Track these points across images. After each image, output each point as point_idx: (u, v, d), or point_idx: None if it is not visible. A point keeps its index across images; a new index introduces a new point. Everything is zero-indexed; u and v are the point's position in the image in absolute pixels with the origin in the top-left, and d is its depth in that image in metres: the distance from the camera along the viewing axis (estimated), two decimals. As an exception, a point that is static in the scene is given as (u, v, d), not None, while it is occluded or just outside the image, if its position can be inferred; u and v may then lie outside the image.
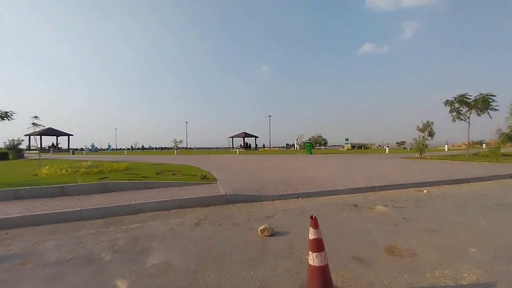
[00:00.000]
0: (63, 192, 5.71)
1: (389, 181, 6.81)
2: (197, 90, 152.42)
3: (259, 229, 3.28)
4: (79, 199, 5.22)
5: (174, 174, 8.55)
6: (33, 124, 11.43)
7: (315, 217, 1.92)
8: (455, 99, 14.40)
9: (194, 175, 8.14)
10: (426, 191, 6.07)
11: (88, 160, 11.15)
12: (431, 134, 15.51)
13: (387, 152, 23.13)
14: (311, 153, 22.23)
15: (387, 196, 5.61)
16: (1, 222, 3.90)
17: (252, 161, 15.59)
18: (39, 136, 41.25)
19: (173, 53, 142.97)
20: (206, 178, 7.27)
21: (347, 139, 55.63)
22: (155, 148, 70.12)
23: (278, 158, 18.56)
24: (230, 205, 4.99)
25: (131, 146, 54.06)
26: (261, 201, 5.26)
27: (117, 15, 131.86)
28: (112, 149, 47.64)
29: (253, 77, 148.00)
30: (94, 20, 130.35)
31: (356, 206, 4.74)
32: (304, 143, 22.77)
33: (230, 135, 53.50)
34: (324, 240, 1.96)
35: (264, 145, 55.71)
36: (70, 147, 44.49)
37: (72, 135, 45.21)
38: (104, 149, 46.05)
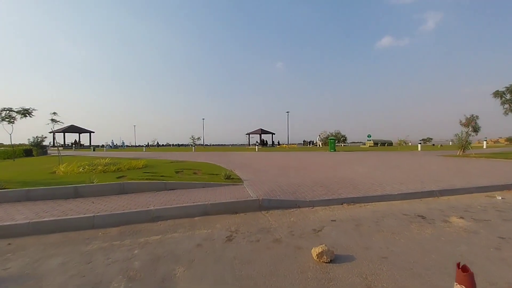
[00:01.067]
0: (77, 193, 5.25)
1: (448, 185, 5.75)
2: (214, 87, 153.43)
3: (314, 253, 2.49)
4: (93, 202, 4.71)
5: (194, 173, 7.96)
6: (52, 120, 11.38)
7: (466, 266, 1.09)
8: (507, 89, 12.67)
9: (217, 174, 7.49)
10: (500, 198, 4.98)
11: (107, 157, 10.88)
12: (475, 130, 13.85)
13: (419, 149, 21.38)
14: (335, 150, 21.00)
15: (455, 204, 4.60)
16: (5, 230, 3.41)
17: (274, 158, 14.79)
18: (62, 133, 43.09)
19: (190, 49, 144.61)
20: (231, 178, 6.59)
21: (369, 136, 53.20)
22: (172, 145, 71.28)
23: (301, 155, 17.62)
24: (263, 212, 4.25)
25: (147, 143, 55.04)
26: (299, 207, 4.47)
27: (138, 13, 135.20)
28: (126, 145, 48.59)
29: (268, 73, 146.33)
30: (115, 18, 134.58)
31: (423, 217, 3.81)
32: (327, 140, 21.49)
33: (247, 132, 53.14)
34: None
35: (279, 142, 54.67)
36: (92, 144, 46.04)
37: (93, 132, 46.71)
38: (119, 146, 47.09)
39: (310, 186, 5.79)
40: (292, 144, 53.46)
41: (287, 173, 7.97)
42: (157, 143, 57.46)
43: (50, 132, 44.26)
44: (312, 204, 4.55)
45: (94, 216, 3.83)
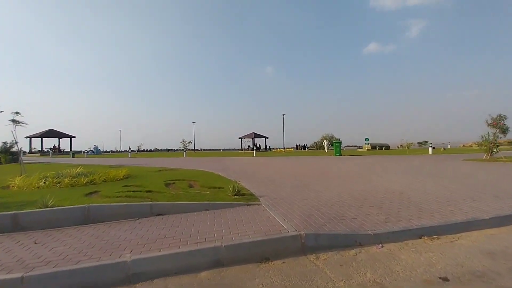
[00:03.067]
0: (17, 225, 3.54)
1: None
2: (203, 91, 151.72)
3: None
4: (35, 242, 3.03)
5: (190, 186, 6.32)
6: (13, 121, 9.49)
7: None
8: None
9: (220, 187, 5.88)
10: None
11: (80, 166, 9.05)
12: (503, 131, 12.79)
13: (430, 152, 20.38)
14: (341, 155, 19.67)
15: None
16: None
17: (278, 164, 13.26)
18: (40, 138, 40.24)
19: (178, 53, 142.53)
20: (241, 195, 4.99)
21: (367, 139, 52.62)
22: (161, 150, 68.78)
23: (306, 160, 16.18)
24: (311, 258, 2.69)
25: (129, 148, 52.12)
26: (361, 245, 2.94)
27: (121, 16, 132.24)
28: (100, 151, 45.04)
29: (258, 77, 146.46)
30: (100, 22, 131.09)
31: None
32: (331, 143, 20.19)
33: (239, 136, 51.56)
34: None
35: (269, 147, 53.59)
36: (73, 149, 43.22)
37: (74, 136, 44.00)
38: (97, 152, 43.58)
39: (356, 205, 4.28)
40: (288, 148, 52.23)
41: (308, 185, 6.44)
42: (138, 149, 54.34)
43: (26, 137, 41.52)
44: (379, 239, 3.03)
45: (22, 277, 2.18)
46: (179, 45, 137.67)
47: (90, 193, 5.54)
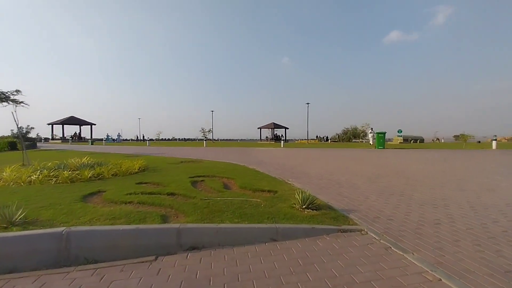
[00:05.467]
0: None
1: None
2: (221, 80, 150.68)
3: None
4: None
5: (226, 187, 4.61)
6: (12, 101, 8.26)
7: None
8: None
9: (271, 191, 4.12)
10: None
11: (88, 155, 7.68)
12: None
13: (494, 147, 17.34)
14: (384, 148, 17.20)
15: None
16: None
17: (322, 158, 11.31)
18: (61, 125, 40.84)
19: (198, 44, 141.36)
20: (315, 207, 3.16)
21: (400, 131, 48.89)
22: (179, 139, 68.74)
23: (353, 154, 14.06)
24: None
25: (139, 137, 52.25)
26: None
27: (140, 7, 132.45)
28: (121, 139, 45.82)
29: (275, 68, 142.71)
30: (121, 14, 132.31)
31: None
32: (376, 134, 17.74)
33: (258, 126, 49.65)
34: None
35: (283, 137, 51.58)
36: (93, 137, 43.66)
37: (94, 124, 44.26)
38: (115, 140, 44.33)
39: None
40: (312, 139, 49.70)
41: (402, 192, 4.49)
42: (146, 138, 54.17)
43: (48, 124, 42.32)
44: None
45: None
46: (196, 36, 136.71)
47: (91, 194, 4.01)
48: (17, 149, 17.82)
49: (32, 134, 20.86)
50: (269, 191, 4.23)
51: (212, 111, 52.05)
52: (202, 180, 5.17)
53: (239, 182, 4.90)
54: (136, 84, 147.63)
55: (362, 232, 2.53)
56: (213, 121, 55.67)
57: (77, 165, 6.12)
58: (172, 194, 3.99)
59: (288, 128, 50.04)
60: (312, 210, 3.09)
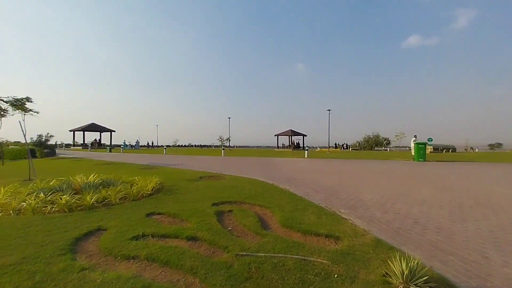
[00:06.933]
0: None
1: None
2: (236, 87, 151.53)
3: None
4: None
5: (262, 223, 3.45)
6: (21, 108, 7.67)
7: None
8: None
9: (334, 238, 2.94)
10: None
11: (94, 172, 6.86)
12: None
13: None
14: (424, 160, 15.29)
15: None
16: None
17: (362, 173, 9.90)
18: (82, 131, 41.83)
19: (211, 52, 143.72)
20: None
21: (430, 139, 45.89)
22: (194, 145, 68.83)
23: (392, 167, 12.50)
24: None
25: (149, 143, 53.05)
26: None
27: (157, 17, 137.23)
28: (138, 146, 46.42)
29: (289, 74, 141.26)
30: (140, 23, 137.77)
31: None
32: (415, 144, 15.91)
33: (275, 133, 48.35)
34: None
35: (302, 145, 49.52)
36: (112, 143, 44.35)
37: (114, 131, 45.06)
38: (133, 146, 44.84)
39: None
40: (334, 148, 47.60)
41: None
42: (159, 145, 54.56)
43: (70, 131, 43.55)
44: None
45: None
46: (212, 43, 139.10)
47: (87, 234, 3.03)
48: (36, 157, 17.77)
49: (52, 142, 20.88)
50: (327, 236, 3.03)
51: (229, 118, 51.48)
52: (229, 211, 4.06)
53: (279, 216, 3.74)
54: (154, 92, 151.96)
55: None
56: (228, 128, 55.11)
57: (82, 184, 5.23)
58: (193, 238, 2.90)
59: (306, 136, 48.46)
60: (423, 291, 1.86)
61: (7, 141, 30.83)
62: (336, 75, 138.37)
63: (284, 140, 49.65)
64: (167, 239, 2.90)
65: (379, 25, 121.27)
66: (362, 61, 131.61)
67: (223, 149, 21.76)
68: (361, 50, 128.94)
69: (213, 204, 4.39)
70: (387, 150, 51.91)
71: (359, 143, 63.87)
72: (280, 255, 2.42)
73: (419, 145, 15.52)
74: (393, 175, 9.07)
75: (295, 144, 46.30)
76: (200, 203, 4.41)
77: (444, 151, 41.66)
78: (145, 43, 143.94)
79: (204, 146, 65.65)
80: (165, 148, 25.52)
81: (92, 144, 39.77)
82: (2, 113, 10.22)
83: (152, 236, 2.95)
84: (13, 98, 8.45)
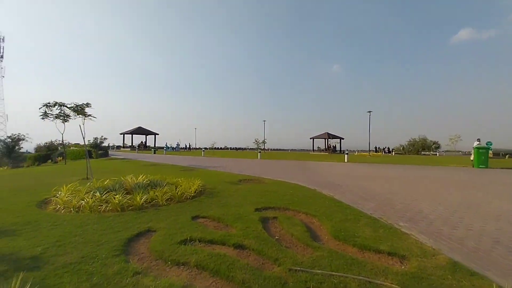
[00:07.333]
0: None
1: None
2: (270, 90, 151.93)
3: None
4: None
5: (310, 233, 3.18)
6: (81, 113, 8.48)
7: None
8: None
9: (398, 256, 2.55)
10: None
11: (142, 174, 7.20)
12: None
13: None
14: (487, 167, 13.44)
15: None
16: None
17: (412, 180, 9.00)
18: (130, 134, 45.63)
19: (250, 55, 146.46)
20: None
21: (490, 143, 40.53)
22: (230, 148, 70.45)
23: (450, 174, 11.21)
24: None
25: (187, 145, 55.67)
26: None
27: (204, 24, 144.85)
28: (179, 148, 48.99)
29: (324, 75, 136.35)
30: (185, 30, 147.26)
31: None
32: (475, 149, 14.07)
33: (311, 136, 46.95)
34: None
35: (339, 148, 46.90)
36: (156, 145, 47.61)
37: (158, 134, 48.40)
38: (174, 149, 47.45)
39: None
40: (375, 151, 44.66)
41: None
42: (197, 147, 56.66)
43: (120, 134, 47.96)
44: None
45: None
46: (246, 47, 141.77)
47: (138, 235, 3.09)
48: (92, 157, 19.80)
49: (105, 144, 23.01)
50: (389, 253, 2.66)
51: (264, 121, 51.63)
52: (274, 217, 3.87)
53: (329, 226, 3.43)
54: (193, 96, 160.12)
55: None
56: (262, 131, 55.29)
57: (132, 184, 5.53)
58: (240, 246, 2.78)
59: (343, 139, 46.19)
60: None
61: (69, 143, 35.03)
62: (374, 76, 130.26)
63: (320, 143, 47.98)
64: (214, 246, 2.81)
65: (426, 18, 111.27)
66: (406, 58, 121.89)
67: (259, 152, 21.75)
68: (405, 45, 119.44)
69: (256, 210, 4.25)
70: (436, 154, 46.99)
71: (403, 147, 59.08)
72: (339, 274, 2.15)
73: (480, 150, 13.62)
74: (452, 184, 8.01)
75: (333, 147, 44.48)
76: (243, 208, 4.31)
77: (507, 156, 36.24)
78: (196, 53, 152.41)
79: (240, 148, 66.87)
80: (203, 150, 26.47)
81: (138, 146, 43.12)
82: (66, 118, 11.50)
83: (199, 241, 2.90)
84: (75, 104, 9.47)
